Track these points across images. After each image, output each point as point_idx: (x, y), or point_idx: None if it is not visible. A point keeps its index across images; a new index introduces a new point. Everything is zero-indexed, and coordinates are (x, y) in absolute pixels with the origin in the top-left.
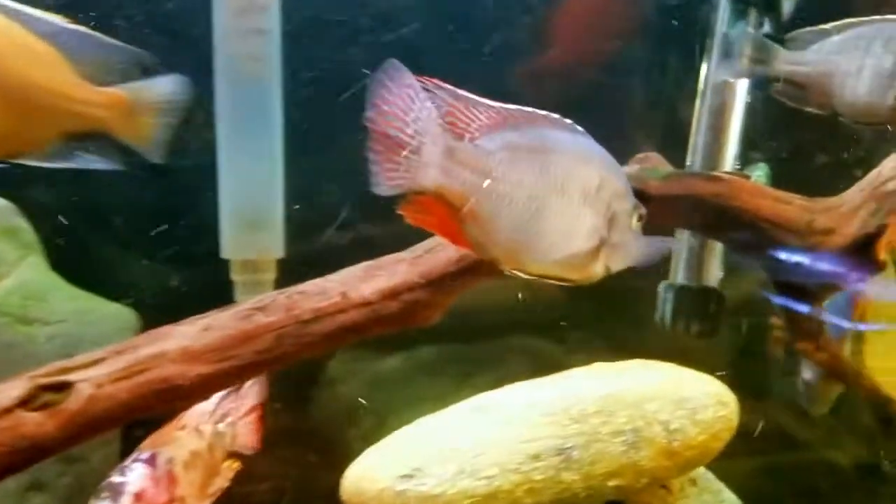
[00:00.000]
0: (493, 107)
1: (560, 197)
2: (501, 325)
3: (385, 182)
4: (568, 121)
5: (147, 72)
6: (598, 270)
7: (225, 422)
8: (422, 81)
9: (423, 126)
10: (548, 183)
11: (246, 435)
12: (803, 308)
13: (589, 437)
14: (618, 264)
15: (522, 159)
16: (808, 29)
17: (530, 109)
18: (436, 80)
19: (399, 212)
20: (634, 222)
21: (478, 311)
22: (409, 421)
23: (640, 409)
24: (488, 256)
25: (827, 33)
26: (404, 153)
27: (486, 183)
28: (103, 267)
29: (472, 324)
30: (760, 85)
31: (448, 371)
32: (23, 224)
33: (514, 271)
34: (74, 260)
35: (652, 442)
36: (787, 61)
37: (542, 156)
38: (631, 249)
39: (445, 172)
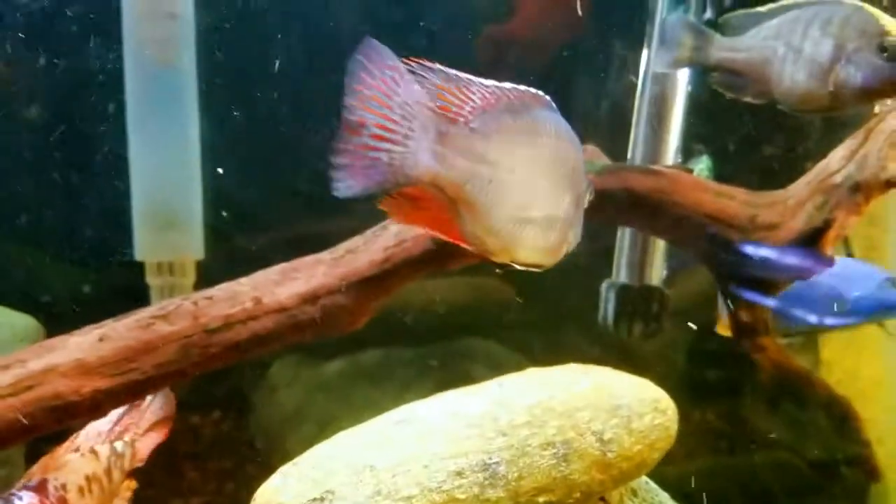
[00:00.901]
0: (486, 86)
1: (549, 181)
2: (451, 328)
3: (362, 182)
4: (546, 96)
5: None
6: (563, 253)
7: (124, 440)
8: (408, 63)
9: (411, 110)
10: (539, 167)
11: (146, 450)
12: (752, 301)
13: (516, 451)
14: (573, 245)
15: (517, 143)
16: (744, 11)
17: (522, 88)
18: (423, 61)
19: (381, 208)
20: (587, 202)
21: (425, 314)
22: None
23: (572, 418)
24: (483, 249)
25: (763, 16)
26: (386, 145)
27: (484, 169)
28: (5, 272)
29: (420, 327)
30: (699, 75)
31: (393, 376)
32: None
33: (507, 262)
34: None
35: (584, 454)
36: (723, 48)
37: (533, 139)
38: (580, 230)
39: (440, 160)
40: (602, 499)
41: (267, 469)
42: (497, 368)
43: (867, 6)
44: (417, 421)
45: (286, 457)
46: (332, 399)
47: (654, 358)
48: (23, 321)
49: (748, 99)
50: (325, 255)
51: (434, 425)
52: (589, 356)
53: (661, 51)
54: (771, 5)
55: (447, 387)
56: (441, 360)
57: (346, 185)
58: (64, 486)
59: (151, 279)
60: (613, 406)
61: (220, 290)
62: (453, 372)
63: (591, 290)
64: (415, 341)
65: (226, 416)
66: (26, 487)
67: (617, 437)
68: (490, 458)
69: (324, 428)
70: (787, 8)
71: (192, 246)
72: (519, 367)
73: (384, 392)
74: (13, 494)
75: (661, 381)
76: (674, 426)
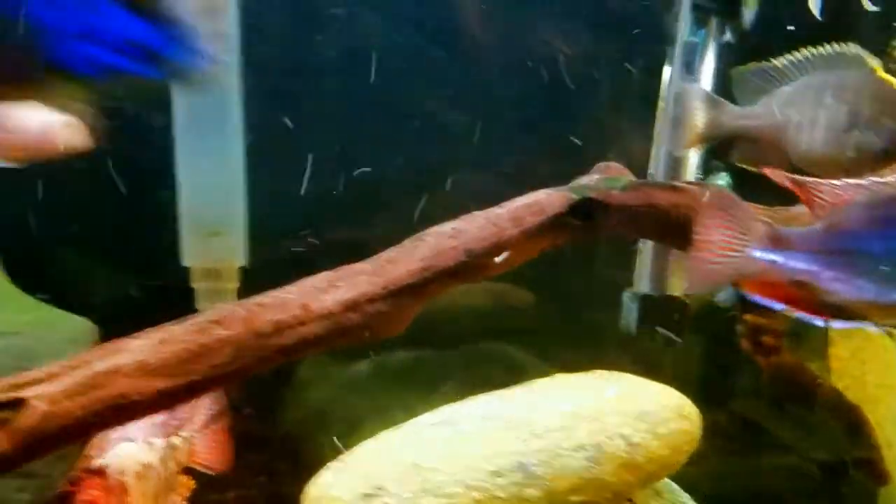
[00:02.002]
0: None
1: None
2: (473, 332)
3: (709, 279)
4: None
5: None
6: None
7: (179, 434)
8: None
9: (745, 230)
10: None
11: (208, 451)
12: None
13: (550, 453)
14: None
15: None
16: (755, 66)
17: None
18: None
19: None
20: None
21: (448, 318)
22: (377, 429)
23: (602, 422)
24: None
25: (775, 73)
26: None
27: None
28: (61, 276)
29: (444, 330)
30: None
31: (418, 378)
32: None
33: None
34: (31, 269)
35: (614, 456)
36: (736, 116)
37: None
38: None
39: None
40: (629, 499)
41: (298, 464)
42: (515, 372)
43: (879, 70)
44: (455, 423)
45: (316, 453)
46: (359, 398)
47: (673, 363)
48: (81, 324)
49: (769, 169)
50: (365, 265)
51: (470, 428)
52: (606, 361)
53: (676, 128)
54: (784, 59)
55: (469, 389)
56: (466, 363)
57: (696, 282)
58: (123, 472)
59: (197, 283)
60: (640, 412)
61: (270, 296)
62: (474, 375)
63: (608, 298)
64: (438, 345)
65: (256, 413)
66: (87, 471)
67: (644, 442)
68: (526, 460)
69: (352, 426)
70: (801, 65)
71: (236, 252)
72: (536, 371)
73: (410, 393)
74: (76, 477)
75: (680, 384)
76: (697, 430)
